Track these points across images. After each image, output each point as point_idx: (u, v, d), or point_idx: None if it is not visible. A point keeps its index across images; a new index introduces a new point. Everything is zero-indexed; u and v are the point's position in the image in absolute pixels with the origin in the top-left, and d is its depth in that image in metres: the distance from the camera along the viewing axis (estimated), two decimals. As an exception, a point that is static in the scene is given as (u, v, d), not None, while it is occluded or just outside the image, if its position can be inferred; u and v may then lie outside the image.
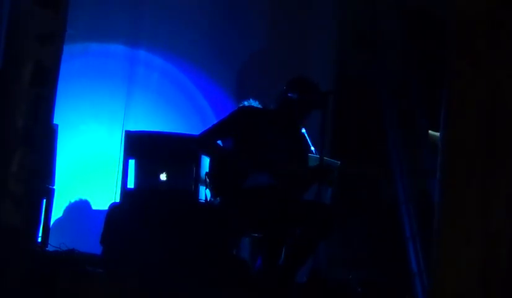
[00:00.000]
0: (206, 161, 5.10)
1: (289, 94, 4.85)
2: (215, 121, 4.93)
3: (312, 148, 5.04)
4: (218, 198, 4.78)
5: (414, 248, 6.36)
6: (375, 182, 6.73)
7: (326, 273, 5.55)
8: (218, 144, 4.89)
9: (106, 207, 5.17)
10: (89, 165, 6.27)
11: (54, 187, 5.25)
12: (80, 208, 6.22)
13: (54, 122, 4.27)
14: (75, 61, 6.20)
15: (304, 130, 5.02)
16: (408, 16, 7.40)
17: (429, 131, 6.45)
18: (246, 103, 5.11)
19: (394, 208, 6.56)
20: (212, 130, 4.86)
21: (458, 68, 2.49)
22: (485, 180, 2.40)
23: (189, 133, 5.49)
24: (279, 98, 4.92)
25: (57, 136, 5.12)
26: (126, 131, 5.59)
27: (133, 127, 5.88)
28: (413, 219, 6.47)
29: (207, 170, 4.94)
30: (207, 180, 4.87)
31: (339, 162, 5.52)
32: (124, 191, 5.37)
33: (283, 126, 4.92)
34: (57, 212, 5.85)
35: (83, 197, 6.24)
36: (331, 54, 7.31)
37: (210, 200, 4.85)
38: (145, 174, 5.41)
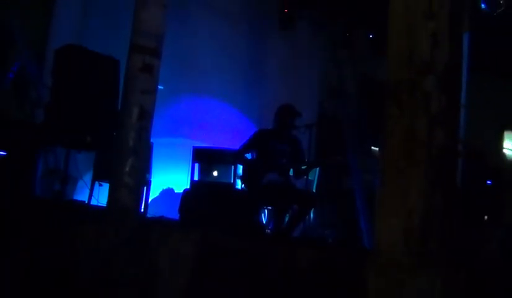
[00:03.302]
0: (239, 167, 5.11)
1: (282, 116, 4.75)
2: (243, 141, 4.86)
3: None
4: (247, 189, 4.75)
5: (363, 216, 6.32)
6: (341, 177, 6.71)
7: (312, 231, 5.52)
8: (246, 157, 4.79)
9: (181, 191, 5.20)
10: (173, 166, 6.29)
11: (151, 179, 5.28)
12: (167, 191, 6.25)
13: (152, 140, 4.30)
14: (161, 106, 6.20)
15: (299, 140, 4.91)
16: (360, 78, 7.42)
17: (372, 147, 6.42)
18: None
19: (352, 193, 6.53)
20: (242, 148, 4.77)
21: (390, 111, 2.47)
22: (406, 177, 2.38)
23: (229, 147, 5.51)
24: (277, 120, 4.78)
25: (153, 149, 5.15)
26: (193, 146, 5.62)
27: (198, 144, 5.90)
28: (363, 199, 6.43)
29: (241, 173, 4.90)
30: (241, 180, 4.85)
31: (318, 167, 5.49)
32: (192, 182, 5.40)
33: (284, 137, 4.77)
34: (153, 194, 5.87)
35: (169, 185, 6.26)
36: (314, 100, 7.33)
37: (242, 188, 4.85)
38: (204, 171, 5.46)
